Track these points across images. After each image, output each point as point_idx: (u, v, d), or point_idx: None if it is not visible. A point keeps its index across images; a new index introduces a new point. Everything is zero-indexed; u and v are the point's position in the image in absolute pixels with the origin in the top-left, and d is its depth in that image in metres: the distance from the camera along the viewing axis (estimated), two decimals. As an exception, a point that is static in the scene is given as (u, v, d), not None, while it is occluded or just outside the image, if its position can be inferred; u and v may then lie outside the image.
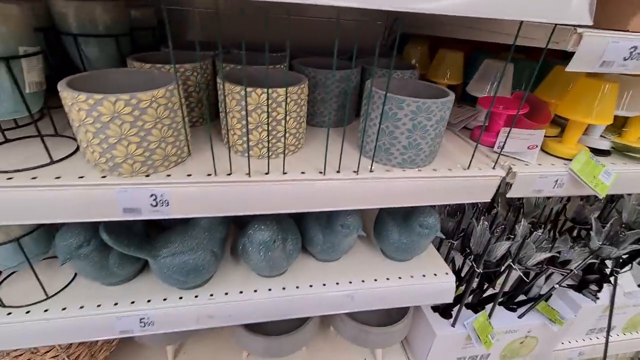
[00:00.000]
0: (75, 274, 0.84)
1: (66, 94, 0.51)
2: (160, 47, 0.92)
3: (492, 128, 0.86)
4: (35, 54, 0.55)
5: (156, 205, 0.59)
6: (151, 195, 0.59)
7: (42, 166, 0.59)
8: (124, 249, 0.69)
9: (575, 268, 1.11)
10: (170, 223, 0.92)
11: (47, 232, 0.77)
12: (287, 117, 0.65)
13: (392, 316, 1.22)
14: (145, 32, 0.95)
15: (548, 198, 1.29)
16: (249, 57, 0.88)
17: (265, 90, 0.60)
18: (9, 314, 0.73)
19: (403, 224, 0.90)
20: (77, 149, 0.66)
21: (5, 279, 0.81)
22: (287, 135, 0.67)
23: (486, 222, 1.05)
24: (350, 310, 0.88)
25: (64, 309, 0.75)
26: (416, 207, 0.89)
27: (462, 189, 0.72)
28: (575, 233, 1.34)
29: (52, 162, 0.61)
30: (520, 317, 1.19)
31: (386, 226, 0.92)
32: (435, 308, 1.21)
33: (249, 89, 0.61)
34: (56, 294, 0.78)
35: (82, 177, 0.58)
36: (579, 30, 0.57)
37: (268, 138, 0.66)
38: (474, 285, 1.13)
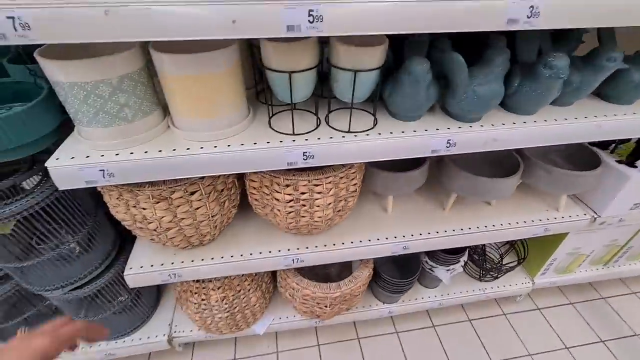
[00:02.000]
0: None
1: None
2: None
3: None
4: None
5: (530, 18, 0.74)
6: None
7: None
8: (459, 70, 0.87)
9: None
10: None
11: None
12: None
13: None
14: None
15: None
16: None
17: None
18: (356, 135, 0.95)
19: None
20: None
21: (328, 114, 1.02)
22: None
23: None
24: (559, 142, 1.06)
25: (379, 133, 0.96)
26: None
27: None
28: None
29: None
30: (699, 165, 1.34)
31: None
32: (619, 161, 1.37)
33: None
34: (374, 126, 0.99)
35: None
36: None
37: None
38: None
